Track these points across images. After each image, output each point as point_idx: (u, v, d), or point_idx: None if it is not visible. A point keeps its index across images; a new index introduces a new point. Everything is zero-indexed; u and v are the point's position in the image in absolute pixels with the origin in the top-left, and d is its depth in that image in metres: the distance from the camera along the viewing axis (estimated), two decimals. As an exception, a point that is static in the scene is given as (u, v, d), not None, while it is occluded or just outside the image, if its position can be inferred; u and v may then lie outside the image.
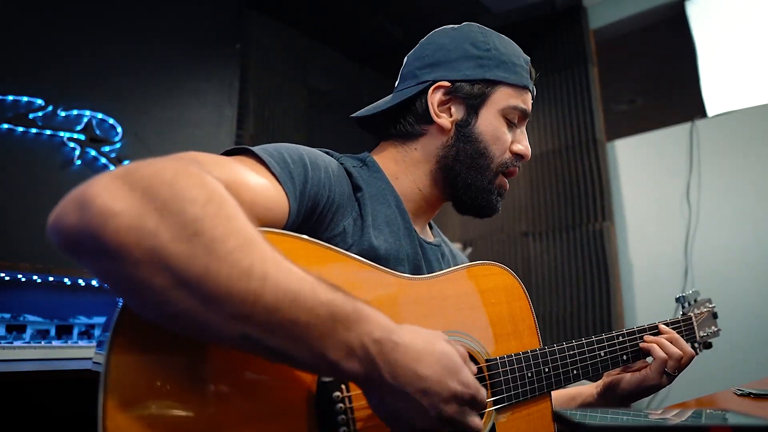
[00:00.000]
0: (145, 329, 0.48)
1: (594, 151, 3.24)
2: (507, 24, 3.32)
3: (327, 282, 0.50)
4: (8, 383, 1.14)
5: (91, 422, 0.45)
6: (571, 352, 0.83)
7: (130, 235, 0.42)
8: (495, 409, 0.73)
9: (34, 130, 2.36)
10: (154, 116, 2.79)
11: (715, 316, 1.11)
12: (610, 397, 0.95)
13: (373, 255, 0.73)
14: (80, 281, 2.26)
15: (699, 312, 1.07)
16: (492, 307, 0.81)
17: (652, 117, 4.17)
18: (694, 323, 1.04)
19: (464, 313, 0.77)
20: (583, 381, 0.88)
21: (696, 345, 1.03)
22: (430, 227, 0.97)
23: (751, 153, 2.80)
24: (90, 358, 0.53)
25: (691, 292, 1.10)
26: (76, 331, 2.10)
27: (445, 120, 0.84)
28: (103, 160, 2.57)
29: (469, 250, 3.63)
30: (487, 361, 0.75)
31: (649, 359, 0.93)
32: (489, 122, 0.84)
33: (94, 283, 2.30)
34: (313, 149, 0.76)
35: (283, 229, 0.64)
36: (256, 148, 0.67)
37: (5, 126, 2.28)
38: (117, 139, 2.61)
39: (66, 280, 2.23)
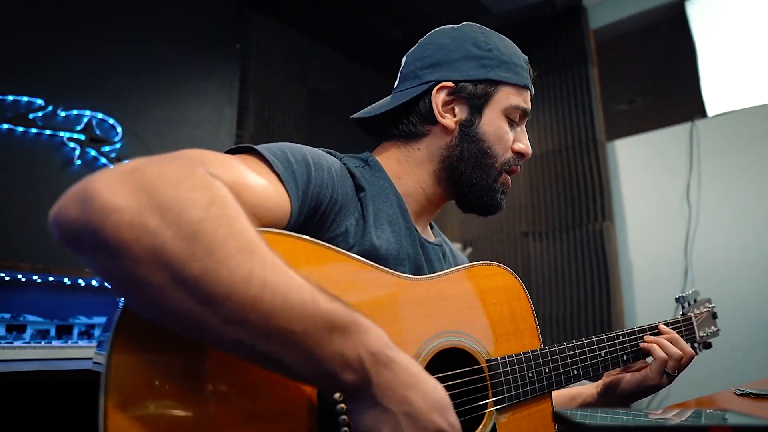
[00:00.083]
0: (145, 329, 0.48)
1: (594, 151, 3.24)
2: (507, 24, 3.32)
3: (327, 291, 0.50)
4: (8, 383, 1.14)
5: (91, 422, 0.45)
6: (572, 352, 0.83)
7: (131, 232, 0.42)
8: (496, 410, 0.73)
9: (34, 130, 2.36)
10: (154, 116, 2.79)
11: (714, 316, 1.11)
12: (611, 397, 0.95)
13: (374, 255, 0.73)
14: (80, 281, 2.26)
15: (699, 312, 1.07)
16: (492, 307, 0.81)
17: (652, 117, 4.17)
18: (694, 323, 1.04)
19: (465, 313, 0.77)
20: (584, 381, 0.88)
21: (696, 345, 1.03)
22: (431, 227, 0.97)
23: (751, 153, 2.80)
24: (90, 358, 0.53)
25: (690, 292, 1.10)
26: (76, 331, 2.10)
27: (449, 120, 0.84)
28: (103, 160, 2.57)
29: (469, 250, 3.63)
30: (487, 361, 0.75)
31: (649, 359, 0.93)
32: (492, 122, 0.85)
33: (94, 283, 2.30)
34: (316, 149, 0.76)
35: (285, 228, 0.64)
36: (260, 147, 0.67)
37: (5, 126, 2.28)
38: (117, 139, 2.61)
39: (66, 280, 2.23)
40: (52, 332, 2.04)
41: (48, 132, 2.40)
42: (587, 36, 3.41)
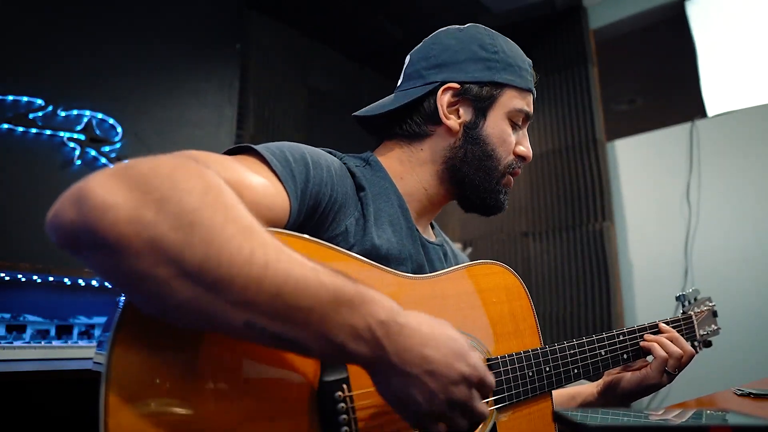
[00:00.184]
0: (146, 327, 0.48)
1: (594, 151, 3.24)
2: (507, 24, 3.31)
3: (330, 267, 0.50)
4: (8, 383, 1.14)
5: (91, 422, 0.45)
6: (572, 351, 0.83)
7: (129, 226, 0.42)
8: (496, 409, 0.73)
9: (34, 130, 2.36)
10: (154, 116, 2.79)
11: (715, 314, 1.11)
12: (611, 396, 0.95)
13: (375, 254, 0.73)
14: (80, 281, 2.26)
15: (699, 310, 1.07)
16: (493, 306, 0.81)
17: (652, 117, 4.17)
18: (695, 322, 1.04)
19: (465, 312, 0.77)
20: (584, 380, 0.88)
21: (696, 344, 1.03)
22: (432, 227, 0.97)
23: (751, 153, 2.80)
24: (90, 358, 0.53)
25: (691, 290, 1.10)
26: (76, 331, 2.10)
27: (453, 122, 0.84)
28: (103, 160, 2.57)
29: (469, 249, 3.63)
30: (488, 360, 0.75)
31: (649, 358, 0.93)
32: (496, 124, 0.85)
33: (94, 283, 2.30)
34: (315, 148, 0.76)
35: (284, 228, 0.64)
36: (258, 147, 0.67)
37: (5, 126, 2.28)
38: (117, 139, 2.61)
39: (66, 280, 2.23)
40: (52, 332, 2.04)
41: (48, 132, 2.40)
42: (587, 36, 3.41)
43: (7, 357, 1.43)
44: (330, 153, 0.80)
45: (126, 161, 0.47)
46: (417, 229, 0.85)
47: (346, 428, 0.57)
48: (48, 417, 1.17)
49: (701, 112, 3.09)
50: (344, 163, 0.80)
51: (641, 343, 0.92)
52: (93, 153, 2.54)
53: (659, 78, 4.48)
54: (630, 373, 0.93)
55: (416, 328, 0.53)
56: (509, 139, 0.86)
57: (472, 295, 0.79)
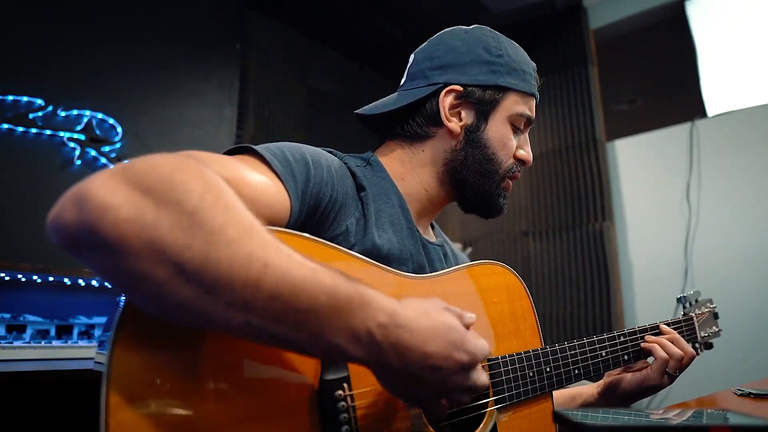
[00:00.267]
0: (146, 328, 0.48)
1: (594, 151, 3.24)
2: (507, 24, 3.31)
3: (329, 267, 0.50)
4: (8, 383, 1.14)
5: (91, 422, 0.45)
6: (573, 352, 0.83)
7: (129, 227, 0.42)
8: (496, 409, 0.73)
9: (34, 130, 2.36)
10: (154, 116, 2.79)
11: (716, 316, 1.11)
12: (611, 397, 0.95)
13: (375, 254, 0.73)
14: (80, 281, 2.26)
15: (700, 312, 1.07)
16: (493, 306, 0.81)
17: (652, 117, 4.18)
18: (695, 323, 1.04)
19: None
20: (584, 381, 0.88)
21: (697, 345, 1.03)
22: (432, 227, 0.97)
23: (751, 153, 2.80)
24: (90, 358, 0.53)
25: (692, 292, 1.10)
26: (76, 331, 2.10)
27: (455, 124, 0.84)
28: (103, 160, 2.57)
29: (469, 249, 3.63)
30: (488, 360, 0.75)
31: (650, 359, 0.93)
32: (497, 128, 0.85)
33: (94, 283, 2.30)
34: (316, 148, 0.76)
35: (284, 228, 0.64)
36: (258, 147, 0.67)
37: (5, 126, 2.28)
38: (117, 139, 2.61)
39: (66, 280, 2.23)
40: (52, 332, 2.04)
41: (48, 132, 2.40)
42: (587, 36, 3.41)
43: (7, 357, 1.43)
44: (330, 153, 0.80)
45: (126, 161, 0.47)
46: (417, 230, 0.85)
47: (346, 427, 0.57)
48: (48, 417, 1.17)
49: (701, 112, 3.09)
50: (345, 163, 0.80)
51: (642, 344, 0.92)
52: (93, 153, 2.53)
53: (659, 78, 4.48)
54: (630, 374, 0.93)
55: (416, 325, 0.53)
56: (510, 143, 0.86)
57: (472, 295, 0.79)
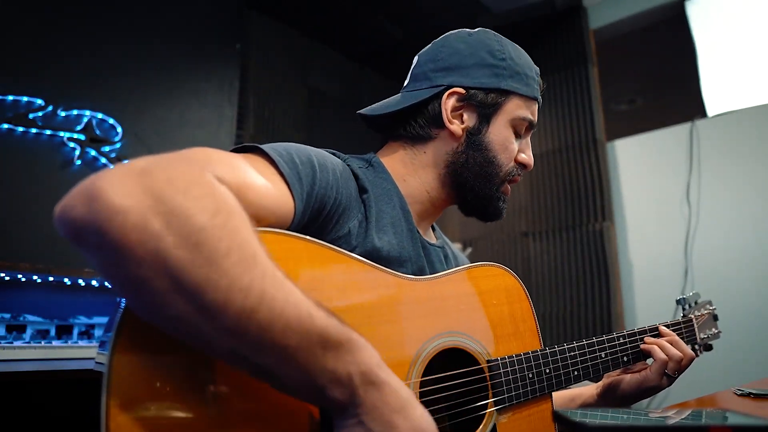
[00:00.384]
0: (147, 330, 0.48)
1: (594, 151, 3.24)
2: (507, 24, 3.31)
3: (324, 308, 0.50)
4: (8, 383, 1.14)
5: (91, 422, 0.45)
6: (572, 353, 0.83)
7: (135, 234, 0.42)
8: (496, 410, 0.73)
9: (34, 130, 2.36)
10: (154, 116, 2.79)
11: (715, 318, 1.11)
12: (611, 398, 0.95)
13: (376, 256, 0.73)
14: (80, 281, 2.26)
15: (699, 314, 1.07)
16: (493, 308, 0.81)
17: (652, 117, 4.17)
18: (695, 325, 1.04)
19: (465, 313, 0.77)
20: (584, 382, 0.88)
21: (696, 347, 1.03)
22: (433, 229, 0.97)
23: (751, 153, 2.81)
24: (91, 358, 0.53)
25: (692, 293, 1.10)
26: (76, 331, 2.10)
27: (456, 127, 0.84)
28: (103, 160, 2.57)
29: (469, 250, 3.63)
30: (488, 361, 0.75)
31: (649, 361, 0.93)
32: (499, 132, 0.85)
33: (94, 283, 2.30)
34: (320, 150, 0.76)
35: (287, 229, 0.64)
36: (266, 147, 0.67)
37: (5, 126, 2.28)
38: (117, 139, 2.61)
39: (66, 280, 2.23)
40: (52, 332, 2.04)
41: (48, 132, 2.40)
42: (587, 36, 3.41)
43: (7, 357, 1.43)
44: (333, 154, 0.80)
45: (141, 162, 0.47)
46: (418, 231, 0.85)
47: (346, 429, 0.57)
48: (48, 417, 1.17)
49: (701, 112, 3.09)
50: (348, 165, 0.80)
51: (641, 346, 0.92)
52: (93, 153, 2.53)
53: (659, 78, 4.49)
54: (630, 375, 0.93)
55: (394, 389, 0.52)
56: (511, 146, 0.86)
57: (472, 296, 0.79)
